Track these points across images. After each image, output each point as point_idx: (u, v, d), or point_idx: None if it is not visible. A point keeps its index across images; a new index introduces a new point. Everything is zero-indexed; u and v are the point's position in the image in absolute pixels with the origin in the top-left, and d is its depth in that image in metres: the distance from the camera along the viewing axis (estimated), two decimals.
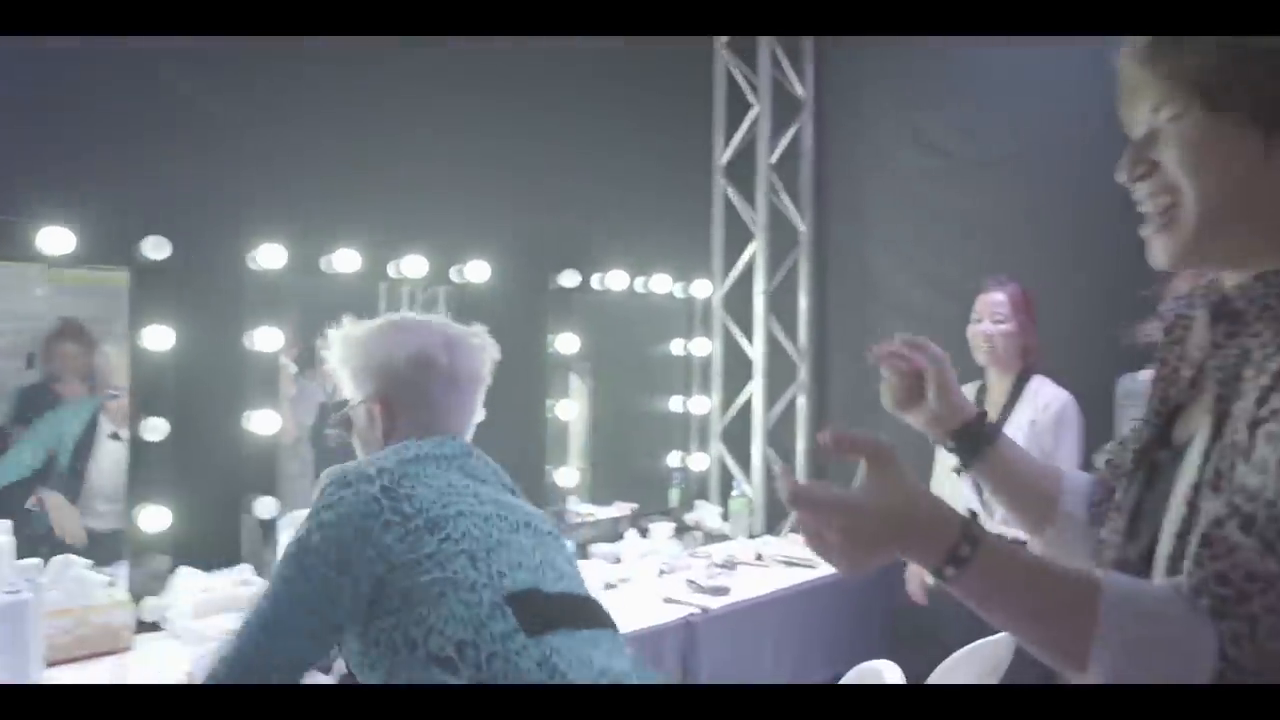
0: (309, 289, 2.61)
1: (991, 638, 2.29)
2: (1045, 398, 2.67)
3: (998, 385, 2.77)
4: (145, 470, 2.33)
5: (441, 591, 1.24)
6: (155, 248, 2.30)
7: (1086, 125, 2.11)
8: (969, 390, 2.85)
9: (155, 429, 2.31)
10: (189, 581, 2.29)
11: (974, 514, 0.79)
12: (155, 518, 2.30)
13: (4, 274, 2.27)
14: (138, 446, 2.32)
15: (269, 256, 2.46)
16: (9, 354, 2.37)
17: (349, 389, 1.50)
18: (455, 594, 1.24)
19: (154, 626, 2.24)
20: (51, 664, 1.96)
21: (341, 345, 1.50)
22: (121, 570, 2.29)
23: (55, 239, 2.17)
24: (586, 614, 1.37)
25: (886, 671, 2.15)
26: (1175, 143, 0.83)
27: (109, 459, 2.41)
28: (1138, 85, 0.86)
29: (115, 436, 2.40)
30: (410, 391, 1.45)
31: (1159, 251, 0.86)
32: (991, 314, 2.74)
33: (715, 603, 2.62)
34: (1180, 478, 0.84)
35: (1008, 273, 2.83)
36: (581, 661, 1.26)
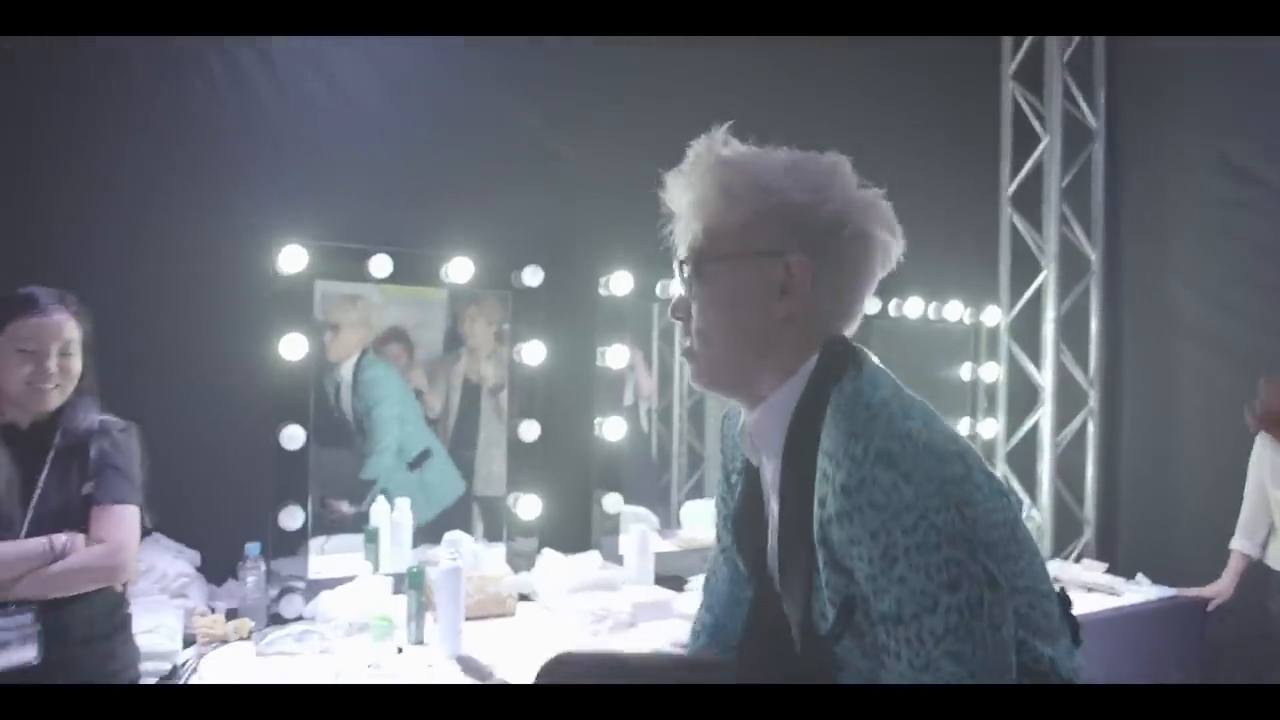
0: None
1: None
2: None
3: None
4: (521, 465, 2.72)
5: None
6: (532, 275, 2.70)
7: None
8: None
9: (530, 430, 2.70)
10: (552, 562, 2.65)
11: None
12: (529, 506, 2.68)
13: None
14: (514, 445, 2.72)
15: (619, 283, 2.81)
16: None
17: None
18: None
19: (524, 598, 2.62)
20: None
21: None
22: (500, 549, 2.69)
23: (460, 268, 2.60)
24: None
25: None
26: None
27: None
28: None
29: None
30: None
31: None
32: None
33: None
34: None
35: None
36: None
